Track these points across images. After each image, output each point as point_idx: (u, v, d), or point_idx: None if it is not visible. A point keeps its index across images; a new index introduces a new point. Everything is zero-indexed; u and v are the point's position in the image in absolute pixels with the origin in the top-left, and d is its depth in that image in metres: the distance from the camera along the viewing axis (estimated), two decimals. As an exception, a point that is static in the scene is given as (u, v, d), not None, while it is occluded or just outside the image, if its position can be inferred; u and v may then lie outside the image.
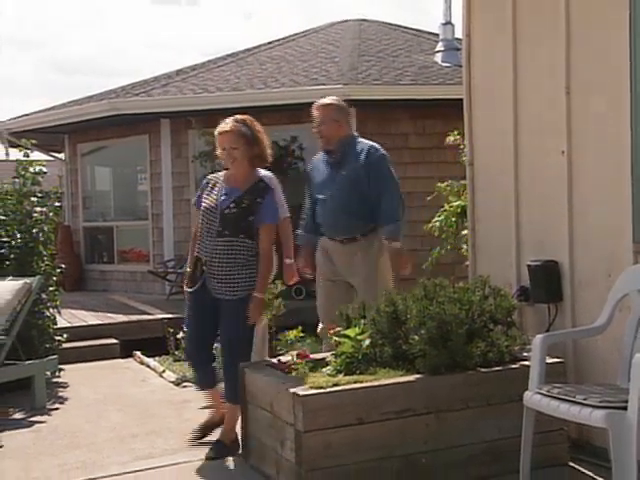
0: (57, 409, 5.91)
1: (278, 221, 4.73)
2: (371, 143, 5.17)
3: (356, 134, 5.23)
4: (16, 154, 9.67)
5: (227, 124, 4.40)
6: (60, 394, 6.37)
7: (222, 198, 4.43)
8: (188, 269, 4.60)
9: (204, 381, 4.69)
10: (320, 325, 5.10)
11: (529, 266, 4.48)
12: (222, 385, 4.58)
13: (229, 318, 4.42)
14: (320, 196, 5.11)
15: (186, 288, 4.57)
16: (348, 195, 4.93)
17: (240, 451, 4.36)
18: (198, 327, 4.56)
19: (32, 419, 5.62)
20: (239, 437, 4.40)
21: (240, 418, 4.34)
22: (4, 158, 12.56)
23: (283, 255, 5.40)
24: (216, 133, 4.46)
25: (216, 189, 4.51)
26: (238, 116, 4.49)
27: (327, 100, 5.17)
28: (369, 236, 4.97)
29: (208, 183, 4.60)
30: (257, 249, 4.44)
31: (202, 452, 4.40)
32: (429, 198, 6.98)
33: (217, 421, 4.62)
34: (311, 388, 3.68)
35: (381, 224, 4.95)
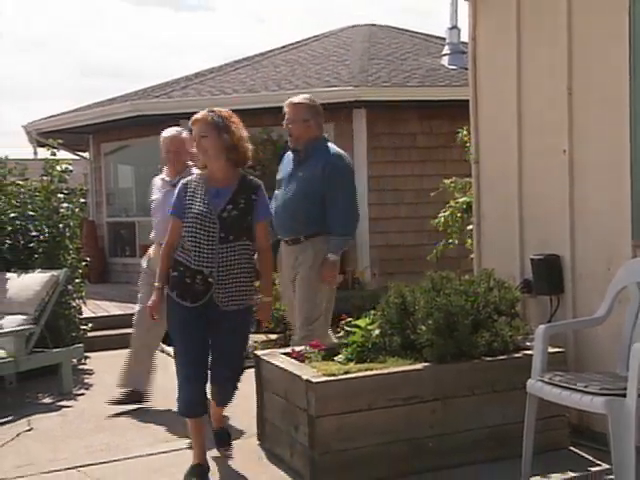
0: (83, 394, 5.95)
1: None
2: (338, 151, 4.85)
3: (326, 136, 4.93)
4: (44, 153, 9.71)
5: (198, 114, 3.92)
6: (86, 380, 6.41)
7: (214, 201, 3.86)
8: (187, 280, 3.85)
9: (200, 409, 3.95)
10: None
11: (532, 260, 4.48)
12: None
13: (238, 329, 3.98)
14: (277, 192, 4.92)
15: (184, 303, 3.87)
16: (299, 196, 4.71)
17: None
18: (199, 345, 3.94)
19: (59, 403, 5.66)
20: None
21: (256, 404, 4.35)
22: (32, 157, 12.60)
23: None
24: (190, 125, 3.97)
25: (199, 192, 3.90)
26: (216, 109, 3.97)
27: (298, 99, 4.88)
28: (313, 239, 4.73)
29: (187, 187, 3.95)
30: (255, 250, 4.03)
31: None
32: (433, 194, 6.99)
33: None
34: (323, 375, 3.69)
35: (330, 234, 4.73)
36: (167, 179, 5.20)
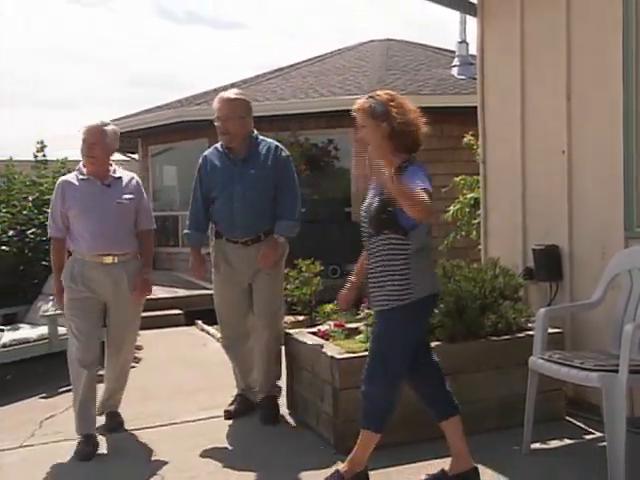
0: (134, 367, 5.86)
1: (429, 188, 2.91)
2: (276, 142, 4.26)
3: (255, 131, 4.22)
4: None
5: (358, 102, 3.13)
6: (136, 355, 6.34)
7: (371, 193, 3.18)
8: None
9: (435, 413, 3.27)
10: (219, 333, 4.42)
11: (534, 250, 4.45)
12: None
13: (381, 333, 3.12)
14: (222, 194, 4.12)
15: None
16: (257, 194, 4.06)
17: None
18: None
19: (113, 376, 5.70)
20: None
21: (286, 377, 4.35)
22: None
23: (142, 267, 4.09)
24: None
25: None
26: (379, 91, 3.20)
27: (233, 94, 4.13)
28: (270, 236, 4.12)
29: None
30: (411, 247, 3.02)
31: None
32: (444, 190, 6.96)
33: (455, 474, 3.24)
34: (346, 352, 3.70)
35: (280, 219, 4.11)
36: (91, 178, 3.96)
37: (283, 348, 4.37)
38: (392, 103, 3.09)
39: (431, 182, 2.98)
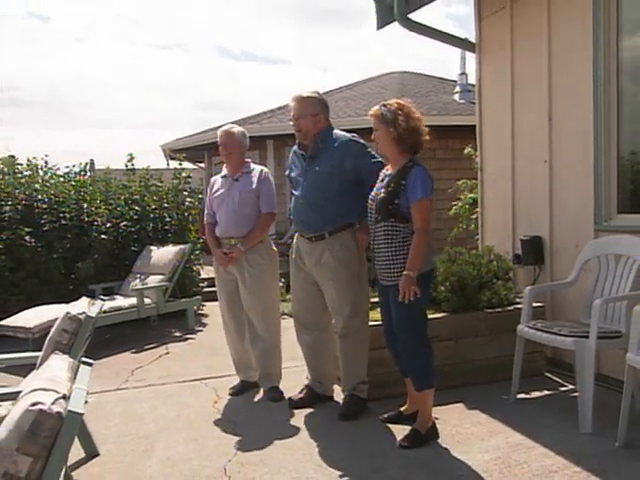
0: (201, 330, 6.08)
1: (429, 195, 2.92)
2: (349, 135, 3.44)
3: (332, 125, 3.48)
4: (173, 164, 9.91)
5: (373, 109, 3.05)
6: (203, 321, 6.53)
7: (379, 185, 3.08)
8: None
9: (402, 370, 3.22)
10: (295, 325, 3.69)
11: (521, 240, 4.43)
12: None
13: (394, 305, 3.00)
14: (294, 192, 3.51)
15: None
16: (319, 192, 3.34)
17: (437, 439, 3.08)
18: (385, 317, 3.22)
19: (186, 336, 5.80)
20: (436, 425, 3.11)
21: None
22: (166, 167, 12.88)
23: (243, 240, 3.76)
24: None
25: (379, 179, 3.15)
26: (391, 100, 3.07)
27: (306, 93, 3.45)
28: (338, 234, 3.37)
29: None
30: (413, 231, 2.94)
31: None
32: (450, 190, 6.94)
33: (409, 414, 3.25)
34: (370, 321, 3.68)
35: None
36: (227, 174, 3.86)
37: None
38: (400, 112, 2.99)
39: (433, 181, 2.99)
